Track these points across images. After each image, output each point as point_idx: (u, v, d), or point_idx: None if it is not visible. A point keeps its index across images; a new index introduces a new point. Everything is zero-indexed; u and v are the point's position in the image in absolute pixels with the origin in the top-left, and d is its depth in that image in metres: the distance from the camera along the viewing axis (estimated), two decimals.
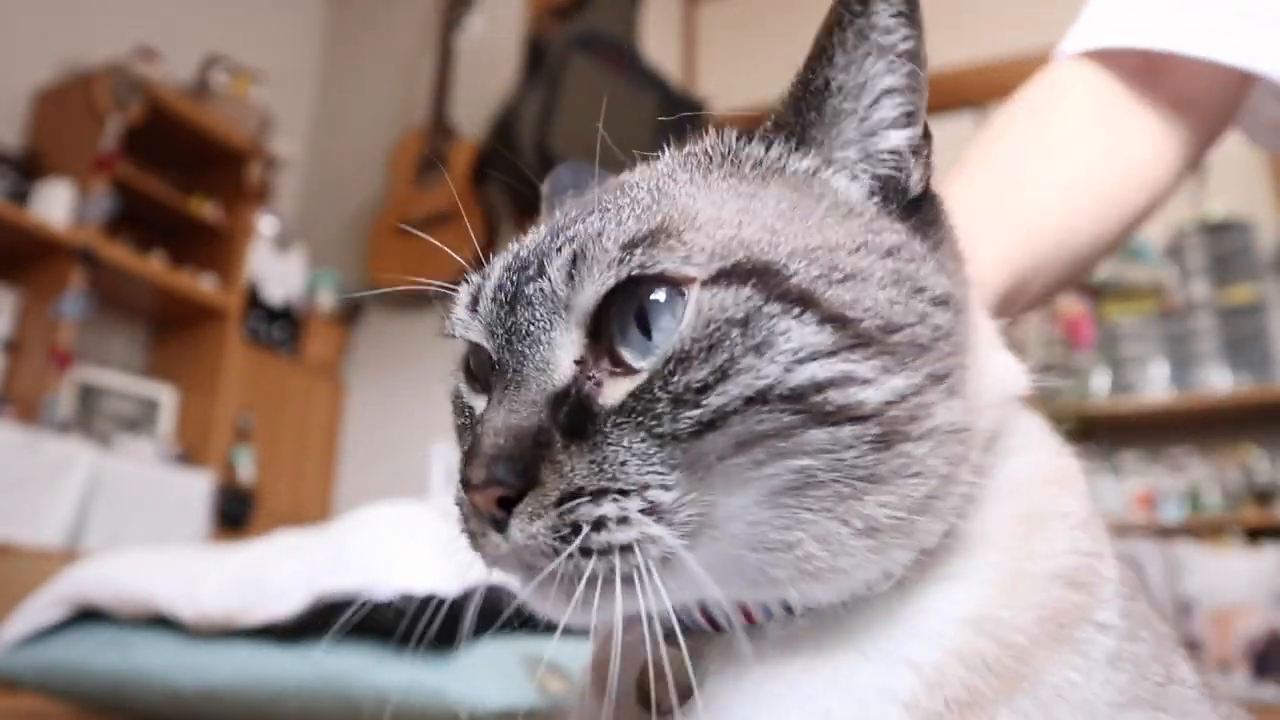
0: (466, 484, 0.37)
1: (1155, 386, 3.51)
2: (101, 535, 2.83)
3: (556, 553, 0.36)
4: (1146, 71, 0.80)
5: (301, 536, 1.50)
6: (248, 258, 3.71)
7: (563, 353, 0.39)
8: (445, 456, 3.45)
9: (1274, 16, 0.76)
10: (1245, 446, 3.41)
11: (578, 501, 0.36)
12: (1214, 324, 3.51)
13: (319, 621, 1.28)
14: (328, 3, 4.82)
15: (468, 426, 0.44)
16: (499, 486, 0.36)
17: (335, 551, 1.31)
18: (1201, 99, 0.81)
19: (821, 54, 0.43)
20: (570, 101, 3.47)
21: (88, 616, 1.52)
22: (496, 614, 1.37)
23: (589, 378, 0.39)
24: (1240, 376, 3.43)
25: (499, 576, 0.42)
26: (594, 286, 0.38)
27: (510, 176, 3.61)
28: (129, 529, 2.93)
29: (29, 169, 3.16)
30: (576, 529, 0.36)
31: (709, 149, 0.45)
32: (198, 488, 3.25)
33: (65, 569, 1.61)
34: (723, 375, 0.36)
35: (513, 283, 0.41)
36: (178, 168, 3.71)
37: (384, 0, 4.63)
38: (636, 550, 0.36)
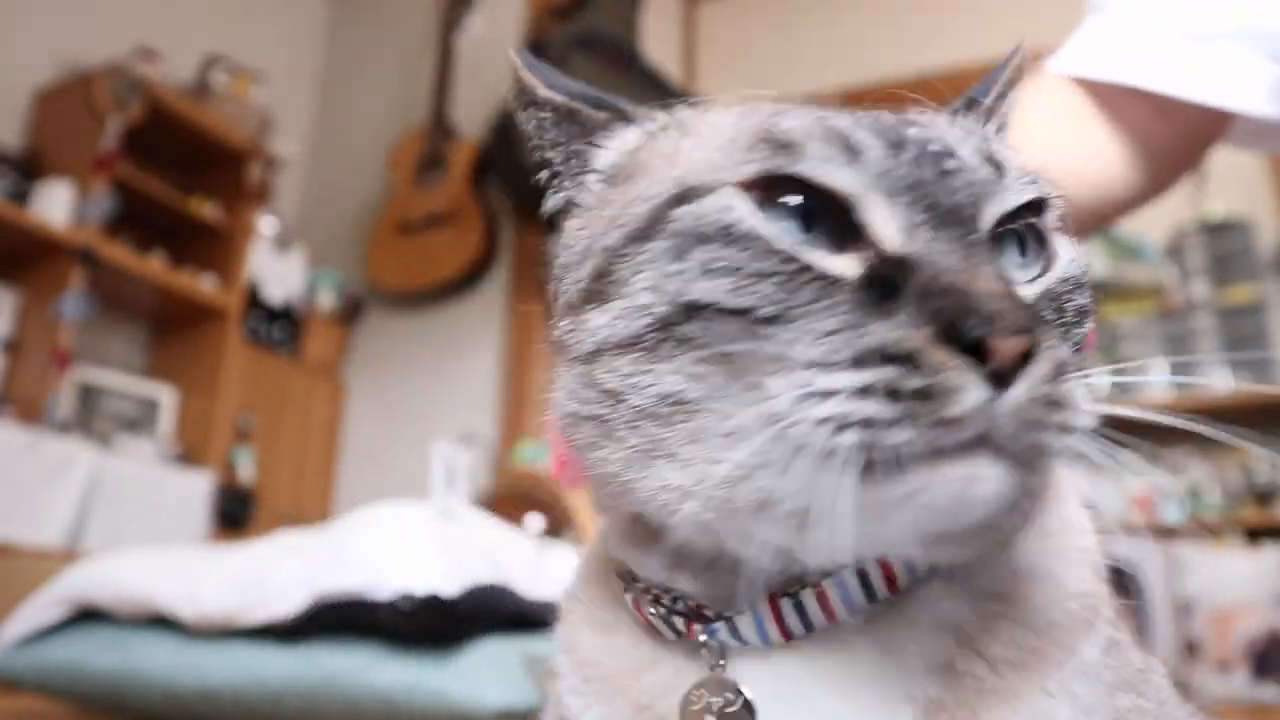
0: (988, 320, 0.32)
1: (1155, 386, 3.51)
2: (101, 535, 2.83)
3: (1035, 423, 0.33)
4: (1128, 92, 0.84)
5: (301, 536, 1.50)
6: (248, 258, 3.71)
7: (987, 238, 0.38)
8: (445, 455, 3.45)
9: (1240, 49, 0.80)
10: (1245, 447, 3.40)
11: (1067, 375, 0.35)
12: (1214, 324, 3.52)
13: (319, 621, 1.28)
14: (328, 3, 4.82)
15: (795, 270, 0.36)
16: (1027, 337, 0.32)
17: (335, 551, 1.31)
18: (1184, 109, 0.85)
19: (1004, 97, 0.50)
20: None
21: (88, 616, 1.52)
22: (497, 614, 1.37)
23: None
24: (1240, 377, 3.43)
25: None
26: (1017, 192, 0.39)
27: (510, 176, 3.61)
28: (129, 529, 2.93)
29: (29, 169, 3.16)
30: (1060, 404, 0.34)
31: (988, 112, 0.49)
32: (198, 488, 3.25)
33: (65, 569, 1.61)
34: (1086, 313, 0.42)
35: (920, 151, 0.38)
36: (178, 168, 3.71)
37: (384, 0, 4.64)
38: (1082, 443, 0.35)
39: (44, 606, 1.56)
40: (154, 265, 3.37)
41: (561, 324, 0.43)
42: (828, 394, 0.33)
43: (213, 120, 3.60)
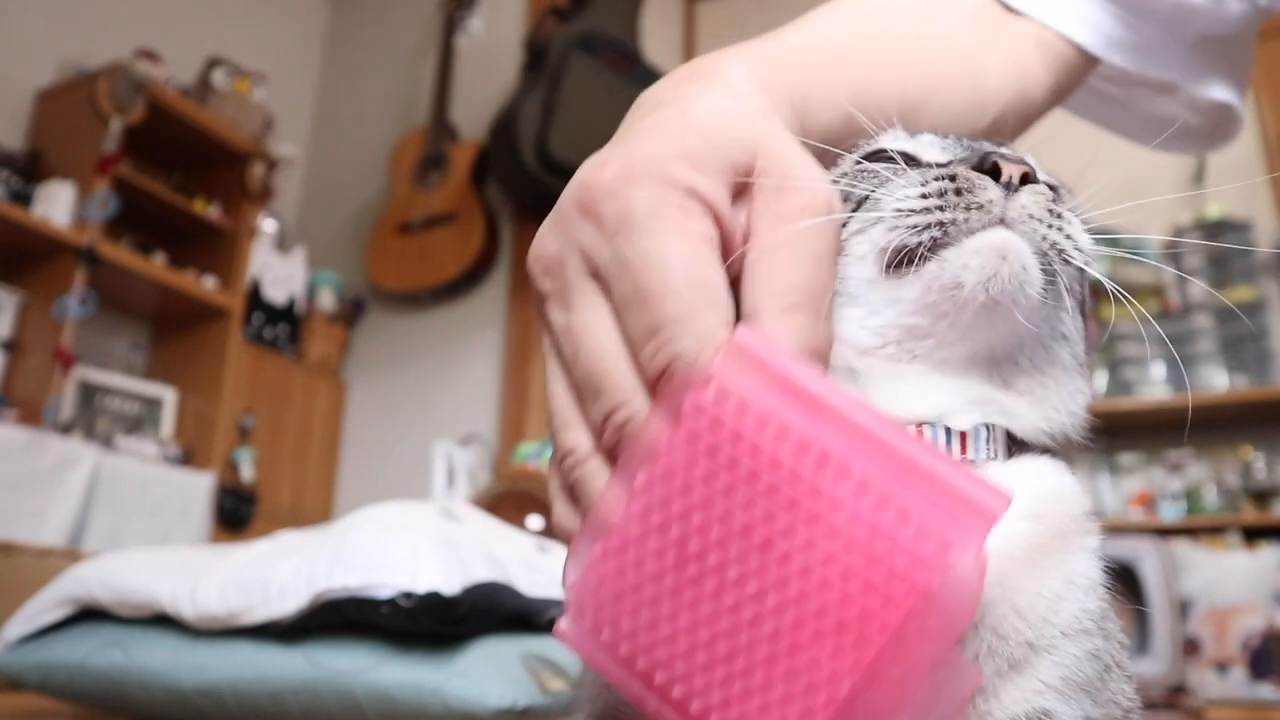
0: (1002, 158, 0.49)
1: (1154, 387, 3.52)
2: (103, 535, 2.84)
3: (1042, 220, 0.49)
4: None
5: (302, 536, 1.50)
6: (249, 258, 3.72)
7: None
8: (446, 455, 3.46)
9: None
10: (1243, 447, 3.41)
11: (1061, 203, 0.51)
12: (1212, 324, 3.52)
13: (320, 620, 1.29)
14: (328, 4, 4.83)
15: (884, 173, 0.54)
16: (1028, 167, 0.50)
17: (336, 550, 1.32)
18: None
19: None
20: (570, 101, 3.48)
21: (89, 615, 1.53)
22: (497, 612, 1.38)
23: None
24: (1238, 377, 3.44)
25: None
26: (1045, 177, 0.55)
27: (510, 177, 3.62)
28: (130, 529, 2.93)
29: (31, 170, 3.17)
30: (1059, 215, 0.50)
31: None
32: (199, 487, 3.26)
33: (67, 568, 1.62)
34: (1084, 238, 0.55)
35: (977, 143, 0.56)
36: (179, 168, 3.73)
37: (384, 1, 4.64)
38: (1084, 251, 0.51)
39: (46, 606, 1.56)
40: (155, 265, 3.38)
41: None
42: (902, 202, 0.50)
43: (214, 121, 3.61)
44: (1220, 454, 3.46)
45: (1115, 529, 3.33)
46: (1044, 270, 0.48)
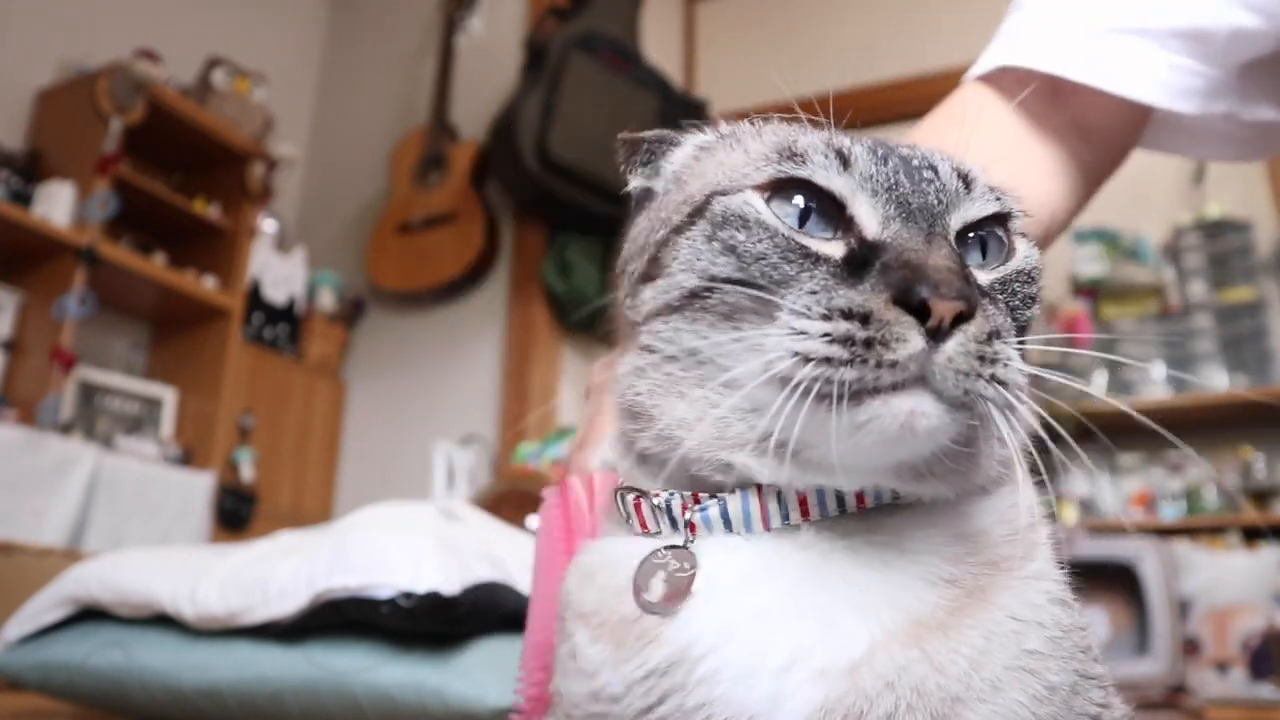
0: (934, 287, 0.40)
1: (1154, 387, 3.52)
2: (103, 535, 2.84)
3: (968, 373, 0.41)
4: (1048, 96, 0.84)
5: (302, 536, 1.50)
6: (249, 258, 3.72)
7: (951, 233, 0.47)
8: (446, 455, 3.46)
9: (1163, 47, 0.81)
10: (1243, 447, 3.41)
11: (1001, 339, 0.42)
12: (1212, 324, 3.52)
13: (320, 620, 1.29)
14: (328, 4, 4.83)
15: (793, 250, 0.45)
16: (964, 303, 0.40)
17: (336, 550, 1.32)
18: (1101, 126, 0.85)
19: None
20: (570, 101, 3.47)
21: (90, 615, 1.53)
22: (497, 612, 1.38)
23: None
24: (1238, 377, 3.44)
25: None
26: (981, 205, 0.49)
27: (510, 177, 3.62)
28: (130, 529, 2.93)
29: (31, 170, 3.17)
30: (991, 360, 0.41)
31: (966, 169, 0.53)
32: (199, 487, 3.26)
33: (67, 569, 1.62)
34: (1033, 299, 0.50)
35: (903, 165, 0.48)
36: (179, 168, 3.72)
37: (384, 1, 4.64)
38: (1012, 394, 0.42)
39: (46, 606, 1.56)
40: (155, 265, 3.38)
41: (625, 303, 0.53)
42: (801, 335, 0.42)
43: (214, 121, 3.61)
44: (1220, 454, 3.46)
45: (1115, 529, 3.33)
46: (960, 409, 0.41)
